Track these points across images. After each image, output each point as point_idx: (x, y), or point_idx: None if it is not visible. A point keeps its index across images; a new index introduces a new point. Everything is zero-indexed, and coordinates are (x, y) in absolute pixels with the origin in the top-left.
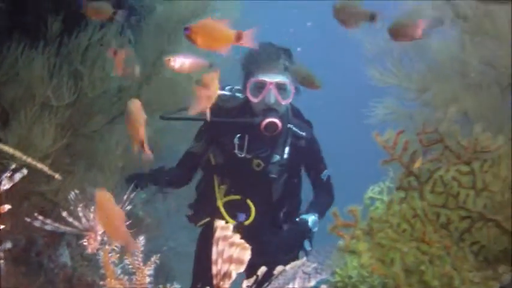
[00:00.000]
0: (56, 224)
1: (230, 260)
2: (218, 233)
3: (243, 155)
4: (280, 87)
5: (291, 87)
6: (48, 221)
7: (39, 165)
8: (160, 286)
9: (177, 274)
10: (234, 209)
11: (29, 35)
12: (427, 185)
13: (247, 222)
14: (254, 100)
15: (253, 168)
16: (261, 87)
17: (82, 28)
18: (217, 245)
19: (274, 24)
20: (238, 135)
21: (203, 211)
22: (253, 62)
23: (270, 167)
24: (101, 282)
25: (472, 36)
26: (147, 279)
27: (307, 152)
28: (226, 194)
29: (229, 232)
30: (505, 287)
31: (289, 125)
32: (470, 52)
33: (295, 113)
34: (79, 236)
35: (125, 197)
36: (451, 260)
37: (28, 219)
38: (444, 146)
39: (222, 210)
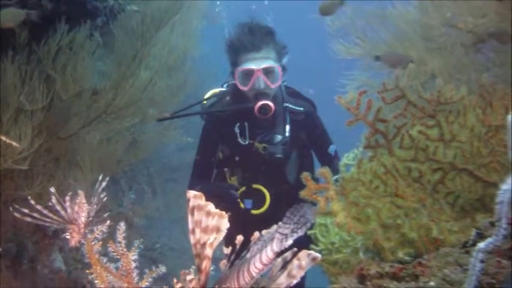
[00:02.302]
0: (45, 211)
1: (208, 229)
2: (192, 203)
3: (246, 142)
4: (268, 71)
5: (278, 70)
6: (39, 207)
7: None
8: (146, 270)
9: (171, 269)
10: (250, 197)
11: None
12: (394, 141)
13: (263, 208)
14: (244, 88)
15: (259, 152)
16: (249, 74)
17: (50, 35)
18: (192, 214)
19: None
20: (238, 123)
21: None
22: (237, 51)
23: (273, 147)
24: (87, 271)
25: None
26: (133, 264)
27: (307, 124)
28: (240, 184)
29: (202, 201)
30: (482, 231)
31: (285, 104)
32: (432, 15)
33: (291, 93)
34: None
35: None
36: (427, 212)
37: (12, 208)
38: (407, 101)
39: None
